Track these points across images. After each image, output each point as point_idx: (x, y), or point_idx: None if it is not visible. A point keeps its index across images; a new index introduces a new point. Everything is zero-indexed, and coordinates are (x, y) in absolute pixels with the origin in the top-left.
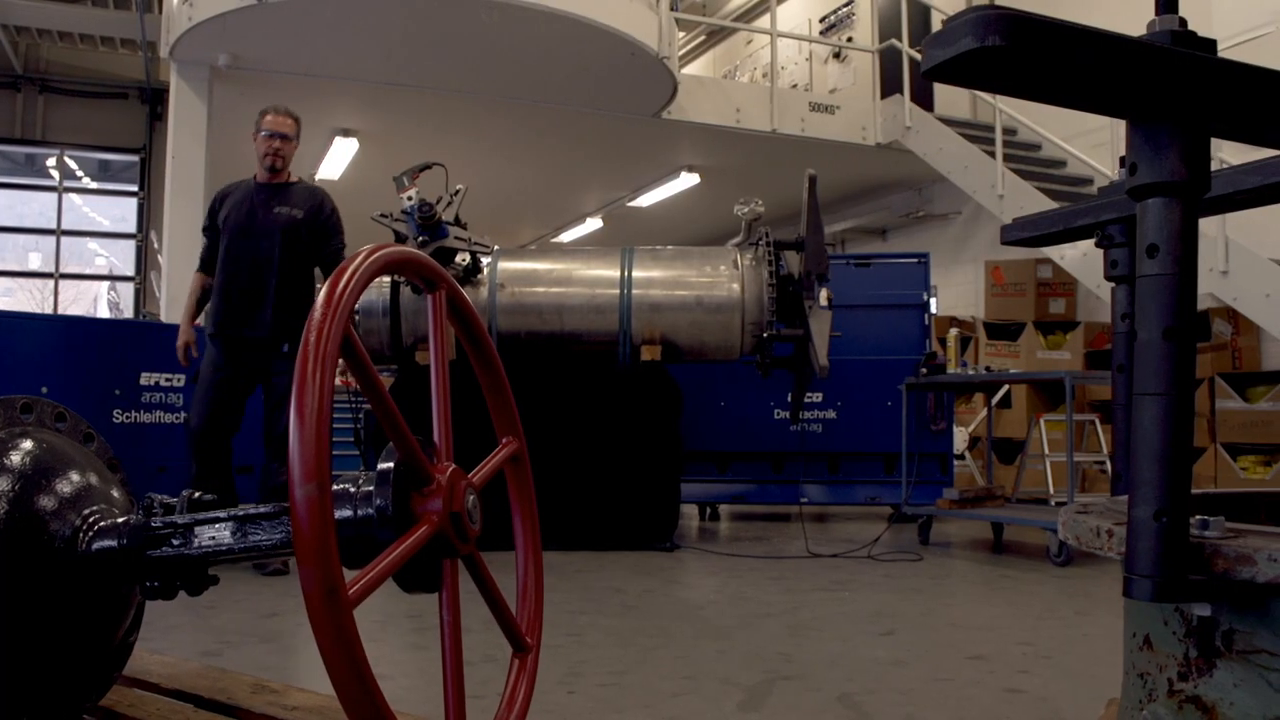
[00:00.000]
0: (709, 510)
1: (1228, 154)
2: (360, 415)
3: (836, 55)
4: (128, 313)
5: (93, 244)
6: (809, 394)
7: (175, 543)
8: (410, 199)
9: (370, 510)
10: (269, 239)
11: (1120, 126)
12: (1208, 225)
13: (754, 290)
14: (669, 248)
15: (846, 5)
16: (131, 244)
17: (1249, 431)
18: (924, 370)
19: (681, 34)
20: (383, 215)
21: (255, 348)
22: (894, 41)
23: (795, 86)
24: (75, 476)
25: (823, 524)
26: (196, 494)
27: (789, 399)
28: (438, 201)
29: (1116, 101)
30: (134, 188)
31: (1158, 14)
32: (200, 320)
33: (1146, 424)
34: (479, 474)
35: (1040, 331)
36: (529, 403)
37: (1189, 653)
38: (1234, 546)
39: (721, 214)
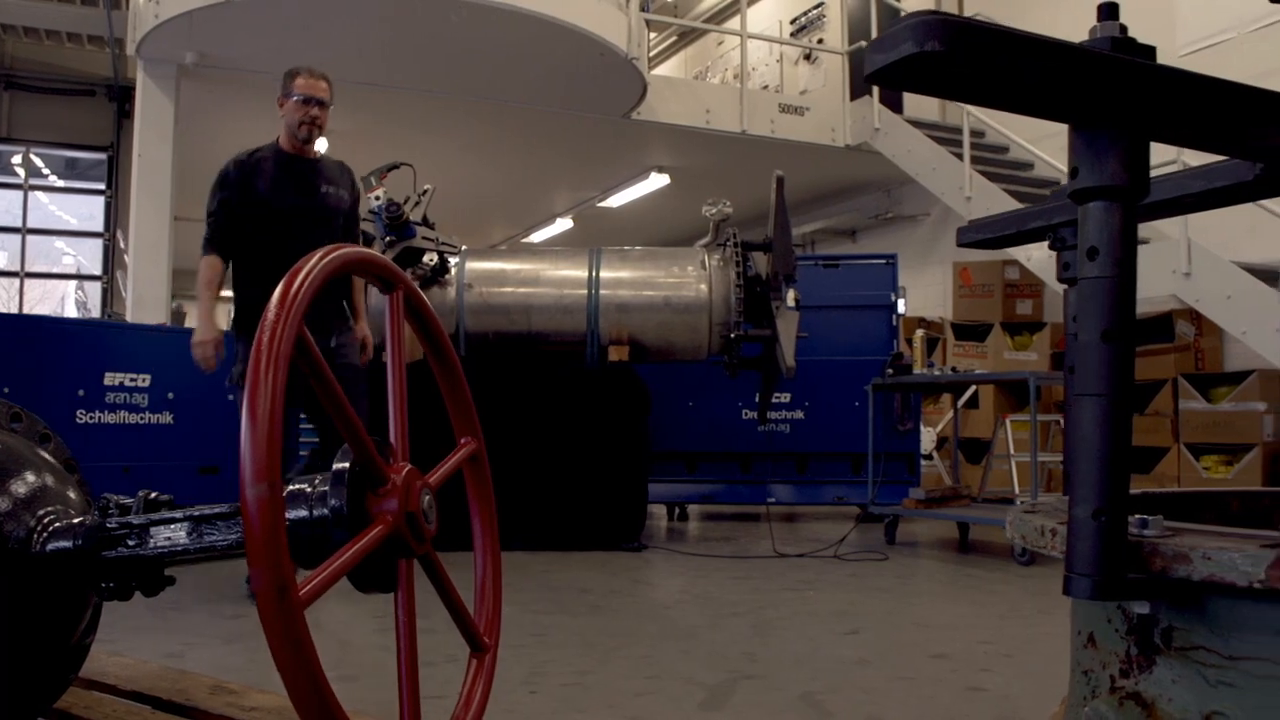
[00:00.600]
0: (678, 510)
1: (1190, 157)
2: None
3: (807, 57)
4: (95, 312)
5: (60, 242)
6: (777, 394)
7: (131, 543)
8: (378, 199)
9: (325, 510)
10: (322, 223)
11: None
12: (1171, 228)
13: (721, 291)
14: (637, 248)
15: (817, 7)
16: (99, 243)
17: (1211, 431)
18: (890, 371)
19: (653, 35)
20: None
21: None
22: (863, 44)
23: (766, 88)
24: (30, 477)
25: (792, 524)
26: (152, 494)
27: (757, 399)
28: (405, 201)
29: (1058, 107)
30: (101, 186)
31: (1099, 20)
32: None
33: (1086, 424)
34: (436, 474)
35: (1007, 332)
36: (497, 403)
37: (1130, 650)
38: (1171, 545)
39: (691, 215)
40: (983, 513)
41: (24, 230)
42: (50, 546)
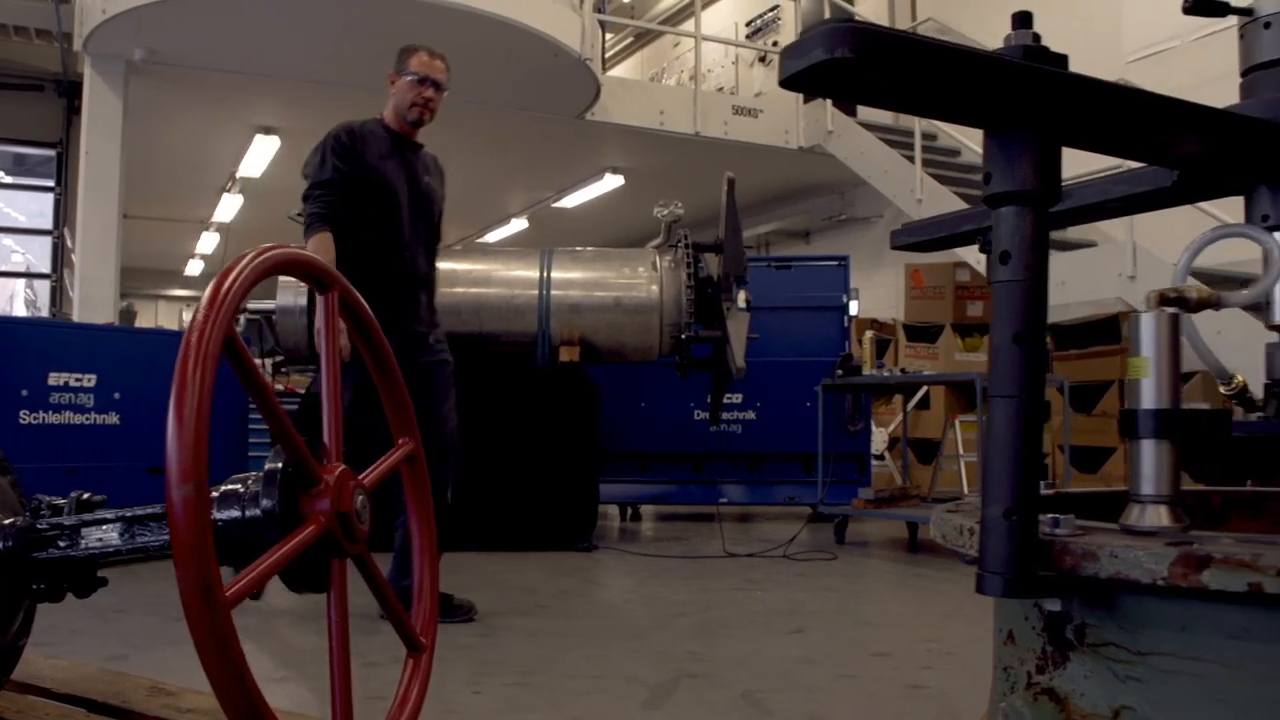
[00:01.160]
0: (630, 510)
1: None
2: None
3: (762, 59)
4: (45, 311)
5: (8, 240)
6: (729, 395)
7: (62, 544)
8: None
9: (257, 511)
10: (424, 213)
11: None
12: (1118, 231)
13: (672, 292)
14: (588, 249)
15: (772, 10)
16: (48, 240)
17: None
18: (839, 372)
19: (609, 35)
20: (299, 214)
21: (418, 348)
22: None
23: (722, 89)
24: None
25: (745, 524)
26: (85, 495)
27: (709, 400)
28: None
29: (971, 112)
30: (50, 183)
31: (1014, 29)
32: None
33: (998, 425)
34: (371, 475)
35: (958, 334)
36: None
37: (1045, 647)
38: (1081, 544)
39: (646, 215)
40: (930, 512)
41: None
42: None
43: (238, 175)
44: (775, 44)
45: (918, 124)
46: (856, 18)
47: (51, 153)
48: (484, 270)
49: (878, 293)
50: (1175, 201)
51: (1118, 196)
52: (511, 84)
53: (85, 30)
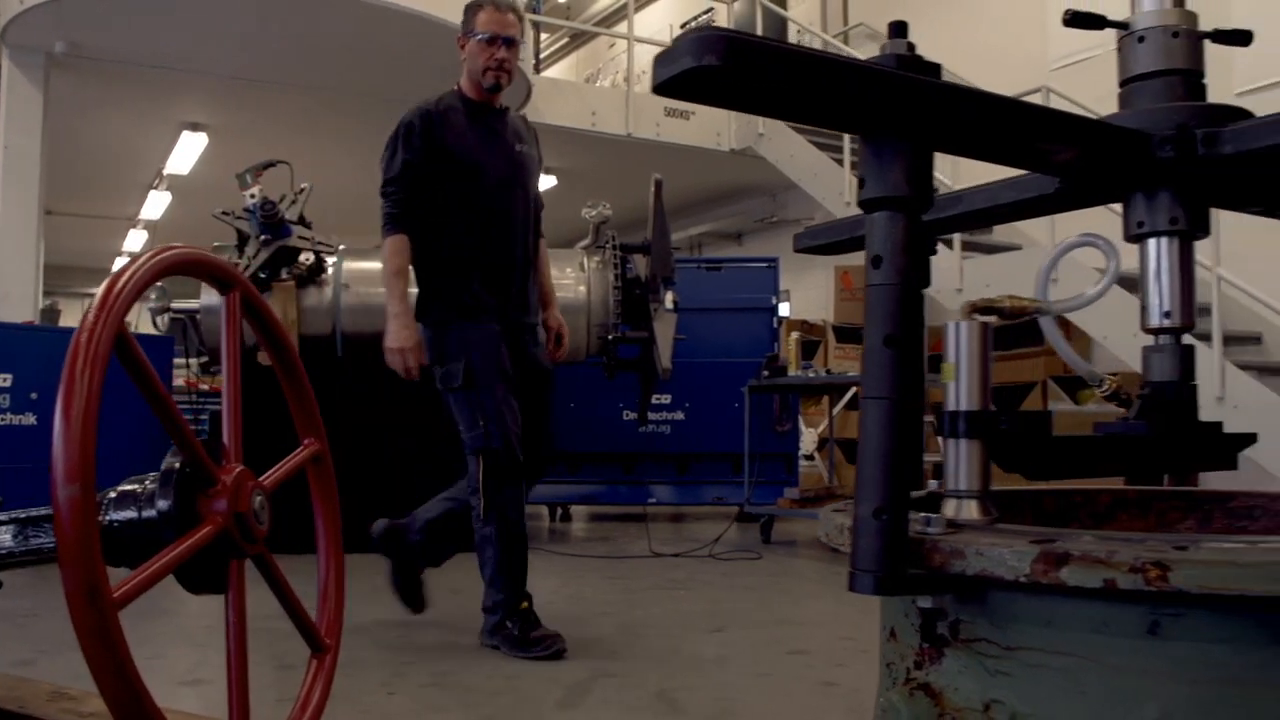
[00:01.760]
0: (560, 511)
1: None
2: (205, 417)
3: None
4: None
5: None
6: (658, 395)
7: None
8: (253, 197)
9: (153, 511)
10: (520, 186)
11: None
12: (1040, 234)
13: (599, 293)
14: None
15: (707, 12)
16: None
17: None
18: (765, 373)
19: (545, 35)
20: (224, 213)
21: (531, 339)
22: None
23: None
24: None
25: (677, 524)
26: None
27: (638, 401)
28: (281, 200)
29: (844, 119)
30: None
31: (889, 38)
32: None
33: (869, 426)
34: (273, 475)
35: None
36: (374, 405)
37: (922, 643)
38: (949, 542)
39: (579, 216)
40: None
41: None
42: None
43: (165, 172)
44: None
45: None
46: (789, 20)
47: None
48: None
49: (808, 294)
50: (1059, 208)
51: (1005, 202)
52: (443, 83)
53: (3, 21)
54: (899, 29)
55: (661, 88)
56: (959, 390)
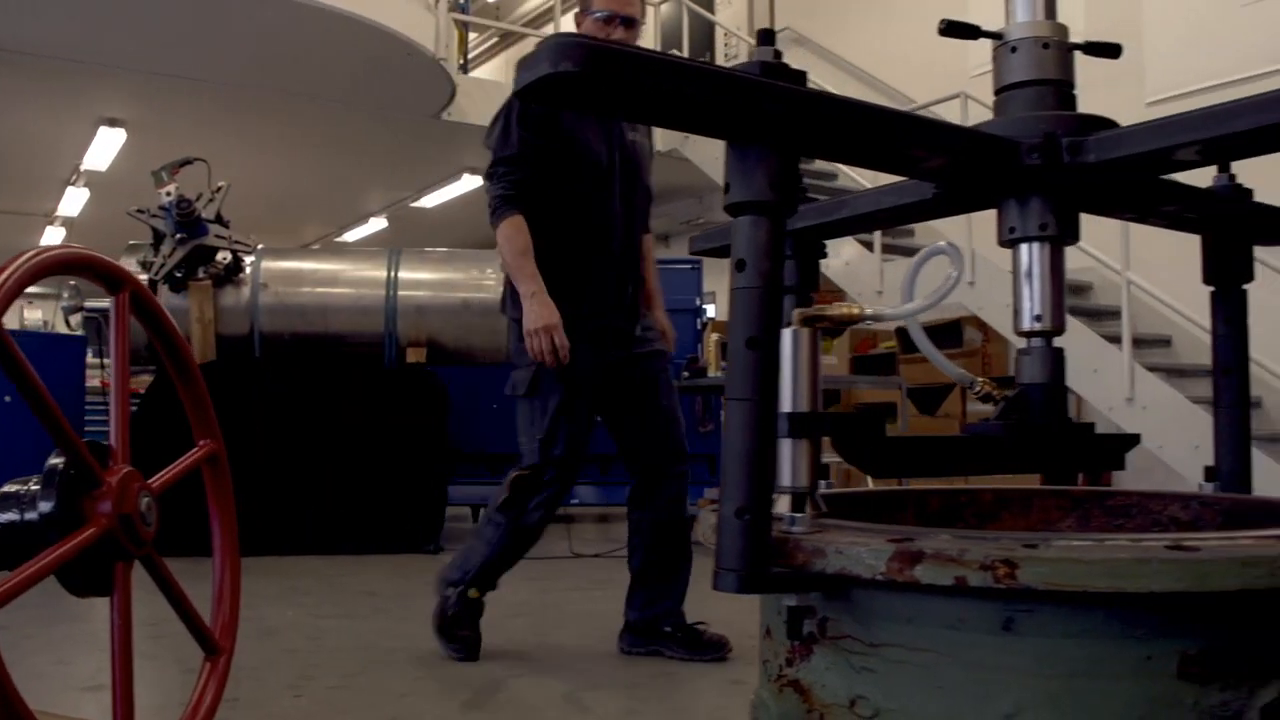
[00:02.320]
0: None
1: None
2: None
3: None
4: None
5: None
6: None
7: None
8: (169, 194)
9: (35, 514)
10: (633, 175)
11: None
12: (958, 238)
13: None
14: (439, 250)
15: None
16: None
17: None
18: (686, 374)
19: (474, 35)
20: (139, 211)
21: (620, 344)
22: (674, 52)
23: None
24: None
25: (604, 524)
26: None
27: None
28: (198, 198)
29: (709, 125)
30: None
31: (757, 45)
32: None
33: (732, 427)
34: (164, 477)
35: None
36: (293, 406)
37: (789, 640)
38: (812, 541)
39: None
40: None
41: None
42: None
43: (83, 168)
44: None
45: None
46: (716, 23)
47: None
48: (331, 270)
49: None
50: (938, 213)
51: (887, 207)
52: (365, 82)
53: None
54: (765, 37)
55: (523, 93)
56: (793, 393)
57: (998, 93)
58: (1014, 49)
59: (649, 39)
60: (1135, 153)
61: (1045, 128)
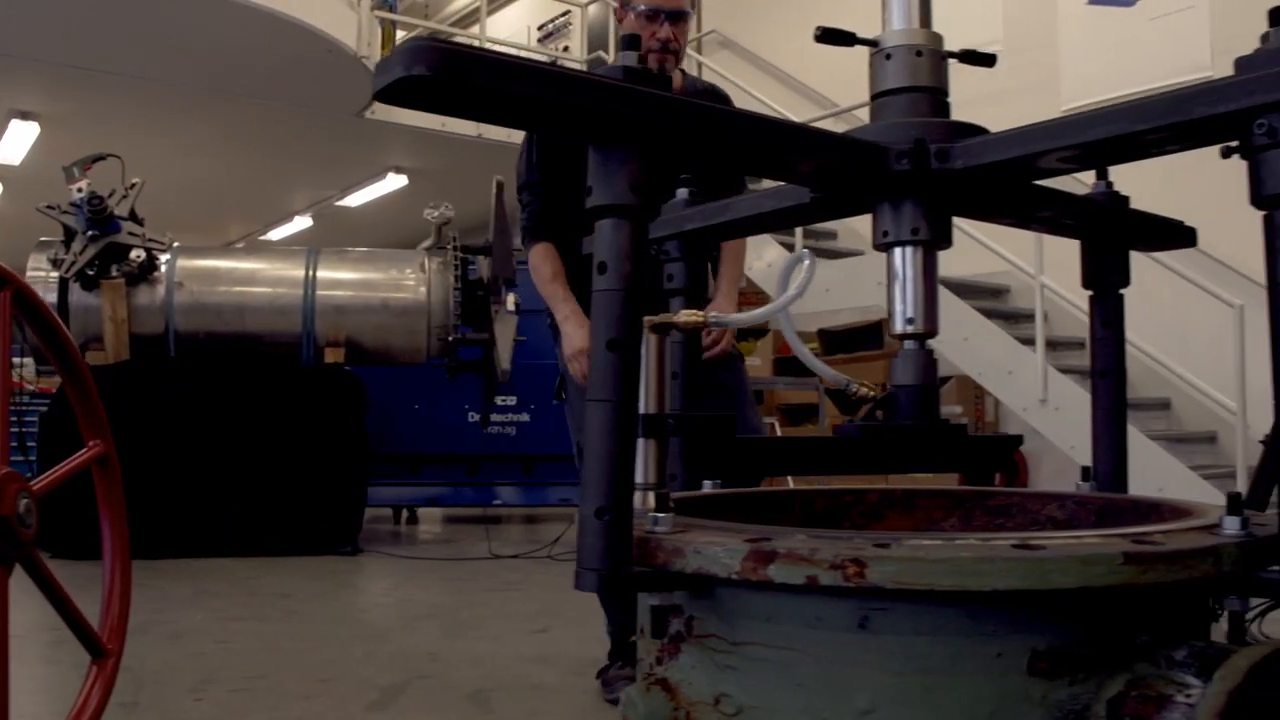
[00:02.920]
0: (407, 513)
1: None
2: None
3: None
4: None
5: None
6: (502, 397)
7: None
8: (80, 191)
9: None
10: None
11: None
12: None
13: (440, 294)
14: (358, 249)
15: (564, 15)
16: None
17: None
18: None
19: (401, 34)
20: (50, 207)
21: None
22: (601, 53)
23: None
24: None
25: (529, 526)
26: None
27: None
28: (111, 195)
29: (569, 128)
30: None
31: (622, 50)
32: None
33: (593, 428)
34: (47, 479)
35: (735, 339)
36: (207, 406)
37: (655, 639)
38: (673, 541)
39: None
40: None
41: None
42: None
43: None
44: (566, 49)
45: None
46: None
47: None
48: (248, 270)
49: None
50: (817, 217)
51: (768, 210)
52: (286, 79)
53: None
54: (630, 42)
55: (380, 95)
56: (643, 396)
57: (873, 99)
58: (888, 56)
59: (578, 39)
60: (1001, 159)
61: (915, 134)
